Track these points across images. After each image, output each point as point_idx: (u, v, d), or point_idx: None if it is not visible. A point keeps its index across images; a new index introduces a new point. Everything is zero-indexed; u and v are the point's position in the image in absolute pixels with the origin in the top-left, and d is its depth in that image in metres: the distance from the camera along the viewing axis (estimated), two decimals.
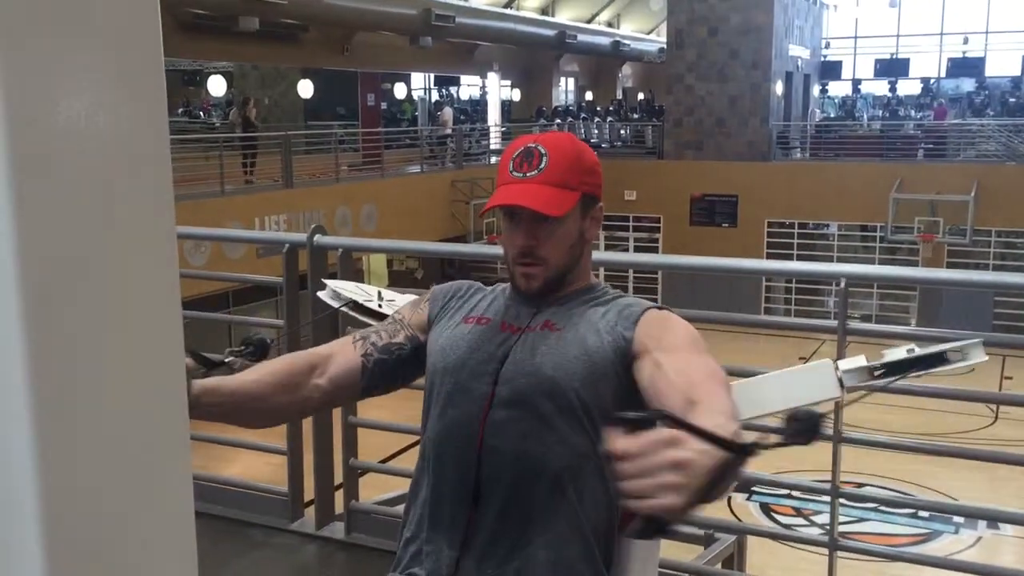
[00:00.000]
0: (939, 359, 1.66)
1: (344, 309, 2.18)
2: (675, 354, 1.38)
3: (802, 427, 1.06)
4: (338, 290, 2.28)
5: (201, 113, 27.23)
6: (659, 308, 1.50)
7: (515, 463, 1.40)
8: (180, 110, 28.06)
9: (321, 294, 2.31)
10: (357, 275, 3.03)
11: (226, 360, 1.37)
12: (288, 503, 3.31)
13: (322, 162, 16.59)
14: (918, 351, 1.67)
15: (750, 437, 1.03)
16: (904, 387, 2.68)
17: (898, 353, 1.72)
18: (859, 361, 1.77)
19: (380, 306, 2.13)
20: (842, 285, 2.57)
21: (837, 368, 1.68)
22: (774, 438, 1.05)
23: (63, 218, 0.60)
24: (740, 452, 0.98)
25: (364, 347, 1.57)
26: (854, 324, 2.65)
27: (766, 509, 10.64)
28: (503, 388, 1.42)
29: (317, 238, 3.11)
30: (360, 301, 2.20)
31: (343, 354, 1.56)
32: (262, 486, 3.50)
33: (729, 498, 10.59)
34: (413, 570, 1.47)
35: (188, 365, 1.28)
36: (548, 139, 1.51)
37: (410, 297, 1.93)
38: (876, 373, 1.71)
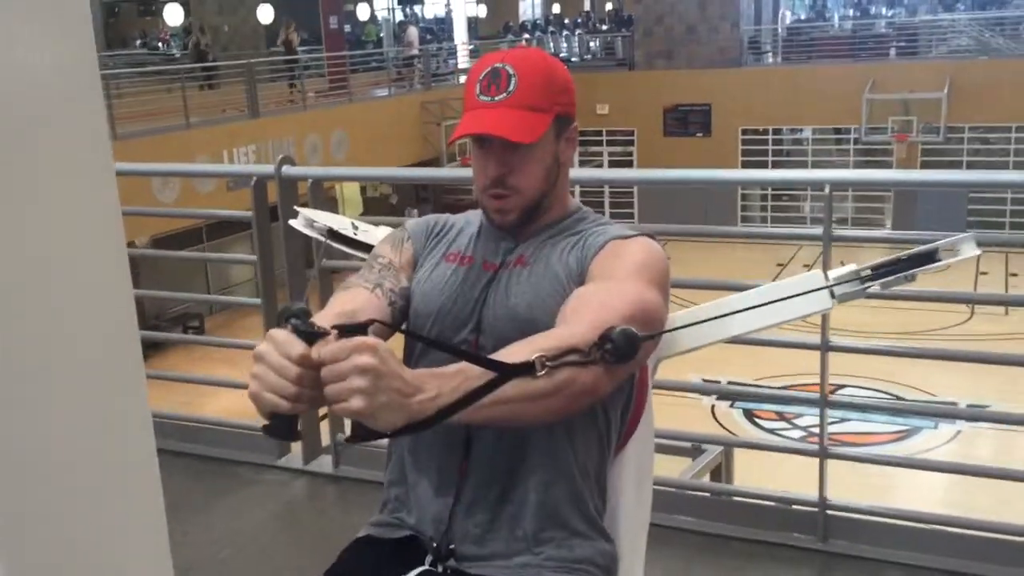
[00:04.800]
0: (929, 257, 1.61)
1: (320, 238, 2.11)
2: (601, 282, 1.33)
3: (620, 348, 1.10)
4: (311, 218, 2.20)
5: (159, 44, 26.51)
6: (625, 238, 1.41)
7: None
8: (138, 42, 27.32)
9: (293, 222, 2.23)
10: (330, 203, 2.96)
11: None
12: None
13: (288, 89, 16.23)
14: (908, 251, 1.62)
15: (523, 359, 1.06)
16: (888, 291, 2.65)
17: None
18: (848, 268, 1.72)
19: (355, 235, 2.06)
20: (827, 191, 2.52)
21: (827, 279, 1.64)
22: (550, 363, 1.07)
23: None
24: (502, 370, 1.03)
25: (386, 295, 1.44)
26: (838, 231, 2.62)
27: (748, 415, 10.80)
28: (486, 334, 1.38)
29: (285, 169, 3.01)
30: (335, 228, 2.13)
31: (371, 306, 1.40)
32: (248, 424, 3.47)
33: (712, 406, 10.73)
34: (400, 515, 1.43)
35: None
36: (516, 57, 1.40)
37: (385, 229, 1.85)
38: (865, 278, 1.66)
